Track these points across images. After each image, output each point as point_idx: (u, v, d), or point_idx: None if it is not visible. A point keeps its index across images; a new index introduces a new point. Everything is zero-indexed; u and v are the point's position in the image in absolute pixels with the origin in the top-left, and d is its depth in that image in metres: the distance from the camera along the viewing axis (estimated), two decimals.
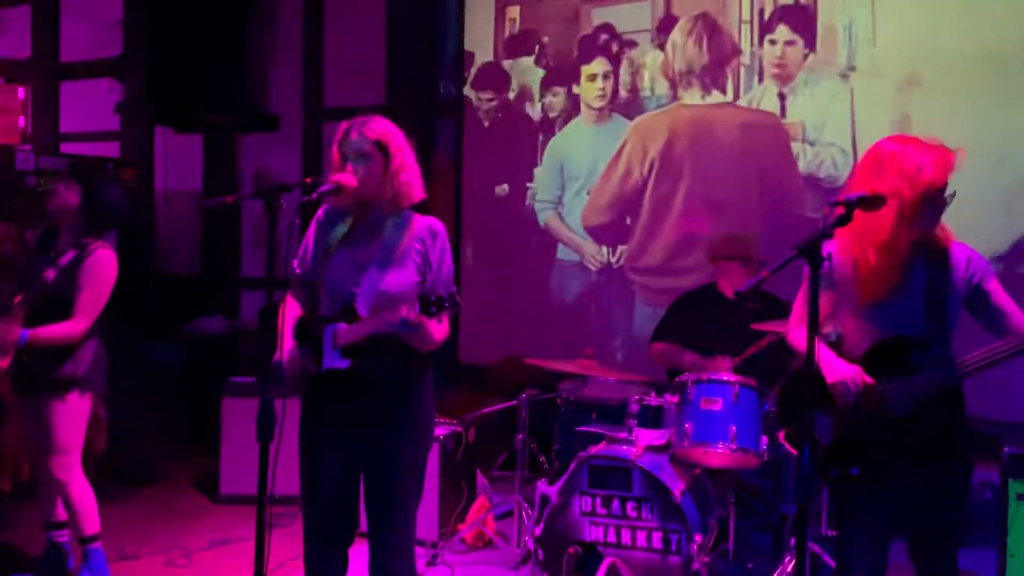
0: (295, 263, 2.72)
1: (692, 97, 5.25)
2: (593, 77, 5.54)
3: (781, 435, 2.76)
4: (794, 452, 2.69)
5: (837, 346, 2.59)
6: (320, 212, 2.77)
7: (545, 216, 5.68)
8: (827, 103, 4.83)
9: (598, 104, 5.54)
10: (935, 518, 2.51)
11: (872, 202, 2.28)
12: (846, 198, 2.23)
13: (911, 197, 2.37)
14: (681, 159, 5.27)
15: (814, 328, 2.16)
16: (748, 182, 5.04)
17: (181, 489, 5.12)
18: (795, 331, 2.67)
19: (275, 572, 3.59)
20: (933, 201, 2.40)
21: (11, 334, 3.38)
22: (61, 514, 3.72)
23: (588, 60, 5.54)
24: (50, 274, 3.53)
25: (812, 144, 4.90)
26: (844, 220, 2.21)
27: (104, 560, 3.66)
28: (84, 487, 3.59)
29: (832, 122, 4.81)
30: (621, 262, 5.43)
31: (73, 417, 3.54)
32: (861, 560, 2.53)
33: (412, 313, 2.38)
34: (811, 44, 4.90)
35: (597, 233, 5.53)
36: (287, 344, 2.59)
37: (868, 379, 2.46)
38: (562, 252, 5.60)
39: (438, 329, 2.57)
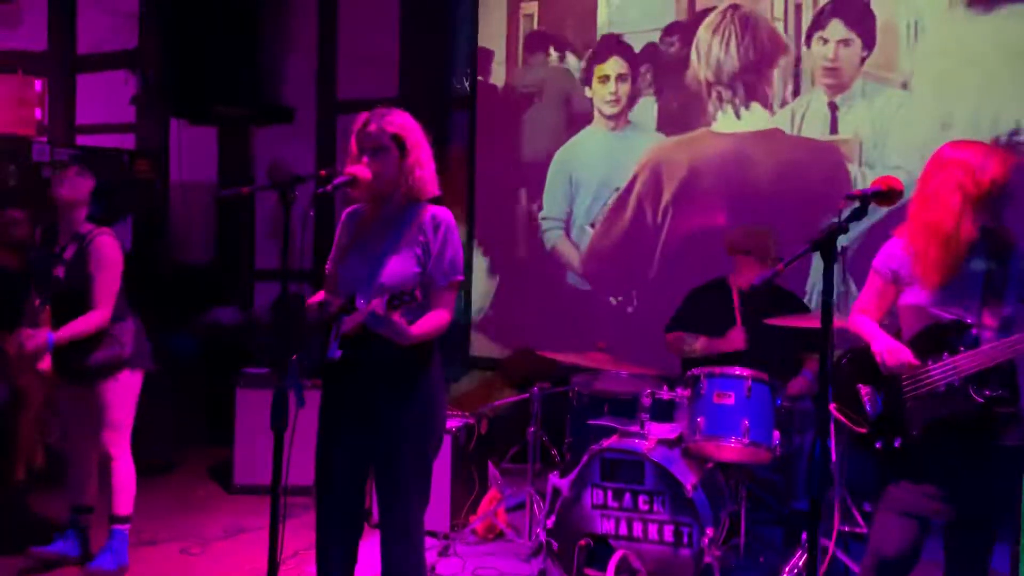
0: (328, 264, 2.76)
1: (726, 119, 4.53)
2: (605, 79, 5.15)
3: (832, 407, 2.83)
4: (843, 420, 2.76)
5: (897, 334, 2.69)
6: (345, 213, 2.80)
7: (552, 238, 5.30)
8: (889, 116, 4.06)
9: (610, 110, 5.09)
10: (971, 504, 2.54)
11: (887, 196, 2.29)
12: (861, 192, 2.25)
13: (975, 192, 2.48)
14: (705, 205, 4.62)
15: (828, 321, 2.16)
16: (794, 237, 4.38)
17: (196, 479, 5.16)
18: (856, 315, 2.78)
19: (288, 561, 3.61)
20: (996, 198, 2.50)
21: (38, 339, 3.44)
22: (88, 499, 3.80)
23: (602, 59, 5.17)
24: (60, 272, 3.58)
25: (872, 167, 4.21)
26: (859, 214, 2.22)
27: (126, 544, 3.72)
28: (130, 466, 3.69)
29: (896, 139, 4.08)
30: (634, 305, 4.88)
31: (124, 393, 3.63)
32: (896, 535, 2.57)
33: (380, 307, 2.39)
34: (869, 44, 4.20)
35: (597, 279, 5.00)
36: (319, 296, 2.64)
37: (914, 360, 2.55)
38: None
39: (419, 324, 2.55)
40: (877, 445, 2.63)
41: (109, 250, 3.59)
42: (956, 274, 2.54)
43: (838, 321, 3.40)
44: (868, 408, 2.67)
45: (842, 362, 2.80)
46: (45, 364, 3.56)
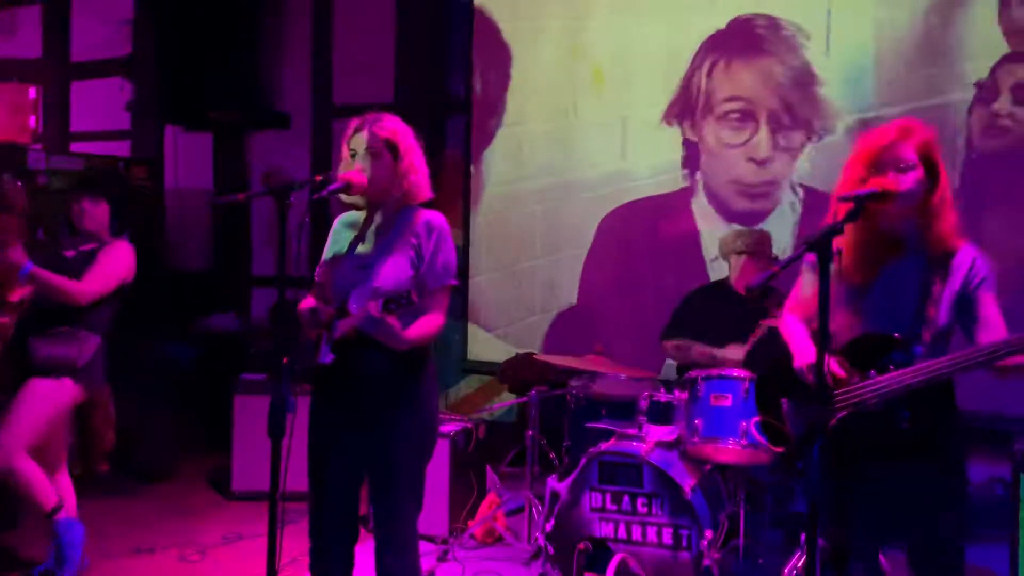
0: (317, 271, 2.75)
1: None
2: None
3: (753, 421, 2.65)
4: (762, 441, 2.58)
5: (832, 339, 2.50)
6: (336, 220, 2.80)
7: None
8: None
9: None
10: (923, 526, 2.36)
11: (882, 197, 2.26)
12: (856, 194, 2.21)
13: (864, 163, 2.34)
14: None
15: (825, 324, 2.10)
16: None
17: (194, 486, 5.15)
18: (786, 315, 2.62)
19: (287, 568, 3.59)
20: (881, 165, 2.32)
21: (16, 256, 3.31)
22: (53, 501, 3.55)
23: None
24: (70, 252, 3.59)
25: None
26: (854, 216, 2.19)
27: (71, 527, 3.55)
28: (30, 463, 3.45)
29: None
30: None
31: (48, 402, 3.48)
32: (851, 567, 2.37)
33: (375, 310, 2.38)
34: None
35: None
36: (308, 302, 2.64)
37: (837, 370, 2.37)
38: (570, 247, 5.58)
39: (413, 328, 2.55)
40: (799, 466, 2.44)
41: (123, 253, 3.64)
42: (873, 274, 2.38)
43: (773, 322, 3.32)
44: (789, 425, 2.48)
45: (767, 372, 2.63)
46: (15, 296, 3.46)
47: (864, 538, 2.40)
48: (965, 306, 2.36)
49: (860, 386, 2.36)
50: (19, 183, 4.49)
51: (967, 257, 2.37)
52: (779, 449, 2.49)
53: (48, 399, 3.51)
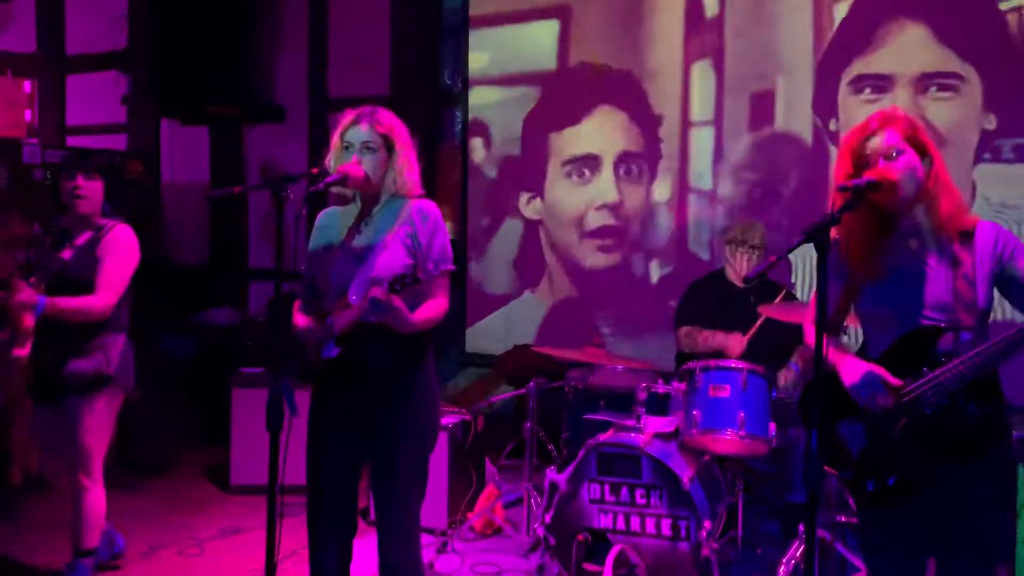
0: (302, 267, 2.74)
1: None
2: None
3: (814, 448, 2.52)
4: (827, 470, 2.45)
5: (863, 348, 2.41)
6: (319, 216, 2.80)
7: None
8: None
9: None
10: (971, 530, 2.21)
11: (880, 187, 2.20)
12: (855, 184, 2.16)
13: (851, 158, 2.28)
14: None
15: (823, 319, 2.05)
16: None
17: (192, 480, 5.15)
18: (809, 328, 2.47)
19: (285, 561, 3.59)
20: (869, 156, 2.24)
21: (27, 297, 3.11)
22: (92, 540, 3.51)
23: None
24: (66, 254, 3.34)
25: None
26: (852, 205, 2.15)
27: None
28: (101, 497, 3.44)
29: None
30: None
31: (101, 417, 3.36)
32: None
33: (380, 293, 2.39)
34: None
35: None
36: (302, 319, 2.63)
37: (891, 379, 2.24)
38: (566, 239, 5.58)
39: (420, 312, 2.57)
40: (869, 487, 2.28)
41: (125, 241, 3.37)
42: (885, 271, 2.26)
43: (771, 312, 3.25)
44: (850, 445, 2.33)
45: (808, 393, 2.46)
46: (24, 351, 3.24)
47: (911, 551, 2.28)
48: (1007, 282, 2.23)
49: (916, 386, 2.23)
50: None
51: (989, 233, 2.25)
52: (846, 474, 2.34)
53: (99, 420, 3.36)
